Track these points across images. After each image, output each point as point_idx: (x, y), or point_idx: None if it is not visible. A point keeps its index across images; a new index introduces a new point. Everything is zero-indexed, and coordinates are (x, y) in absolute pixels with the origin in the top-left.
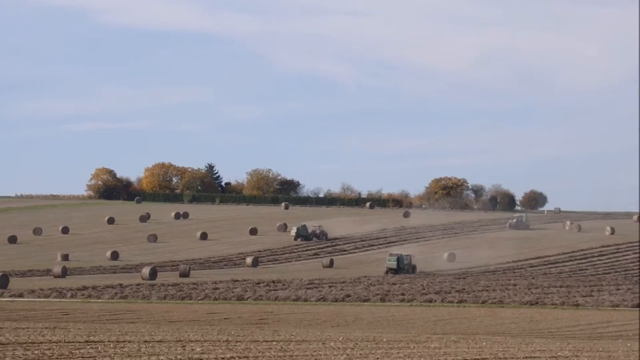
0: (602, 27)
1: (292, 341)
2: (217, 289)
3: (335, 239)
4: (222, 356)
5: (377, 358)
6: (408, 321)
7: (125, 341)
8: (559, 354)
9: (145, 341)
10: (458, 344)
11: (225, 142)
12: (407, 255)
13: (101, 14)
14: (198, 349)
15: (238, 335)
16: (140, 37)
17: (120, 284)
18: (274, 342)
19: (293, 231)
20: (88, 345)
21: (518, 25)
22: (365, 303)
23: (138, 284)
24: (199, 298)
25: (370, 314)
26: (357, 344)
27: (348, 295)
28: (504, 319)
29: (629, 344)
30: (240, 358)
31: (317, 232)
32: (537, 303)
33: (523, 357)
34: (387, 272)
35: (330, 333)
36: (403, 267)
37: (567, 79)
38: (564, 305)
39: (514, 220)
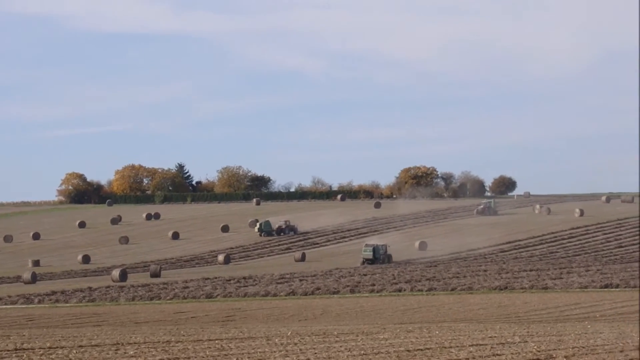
0: (568, 14)
1: (236, 339)
2: (187, 287)
3: (307, 232)
4: (151, 359)
5: (315, 353)
6: (376, 312)
7: (58, 347)
8: (509, 340)
9: (80, 346)
10: (411, 333)
11: (195, 141)
12: (382, 245)
13: (70, 19)
14: (132, 352)
15: (184, 335)
16: (109, 40)
17: (90, 287)
18: (217, 341)
19: (256, 227)
20: (15, 353)
21: (484, 14)
22: (335, 295)
23: (107, 287)
24: (168, 298)
25: (338, 307)
26: (303, 338)
27: (318, 289)
28: (472, 305)
29: (588, 326)
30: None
31: (283, 226)
32: (507, 288)
33: (470, 345)
34: (363, 263)
35: (293, 327)
36: (379, 257)
37: (534, 65)
38: (532, 289)
39: (481, 207)
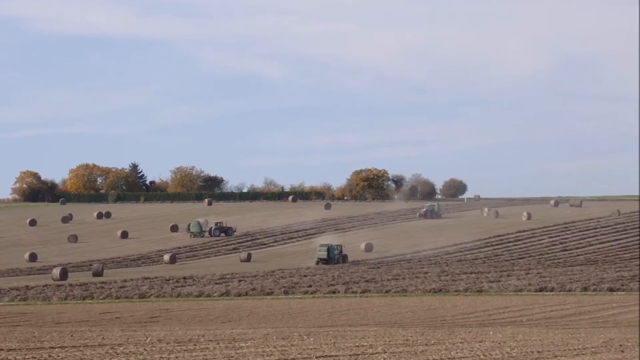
0: (520, 22)
1: (90, 346)
2: (123, 287)
3: (254, 232)
4: None
5: None
6: (303, 313)
7: None
8: (400, 349)
9: None
10: (303, 340)
11: (152, 144)
12: (337, 245)
13: (31, 21)
14: None
15: (49, 340)
16: (71, 43)
17: (27, 286)
18: (83, 347)
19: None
20: None
21: (439, 21)
22: (268, 297)
23: (45, 285)
24: (101, 297)
25: (267, 308)
26: (163, 345)
27: (253, 289)
28: (402, 309)
29: (498, 331)
30: None
31: (213, 227)
32: (442, 290)
33: (325, 355)
34: (317, 263)
35: (197, 331)
36: (333, 257)
37: (488, 72)
38: (467, 292)
39: (424, 210)
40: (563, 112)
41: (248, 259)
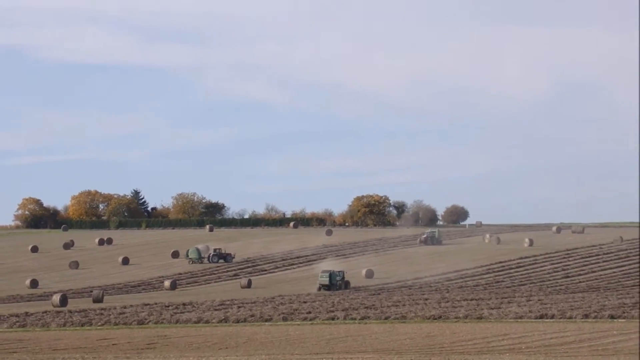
0: (520, 47)
1: None
2: (122, 313)
3: (249, 259)
4: None
5: None
6: (301, 340)
7: None
8: None
9: None
10: None
11: (154, 170)
12: (339, 271)
13: (35, 49)
14: None
15: None
16: (72, 70)
17: (26, 313)
18: None
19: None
20: None
21: (439, 47)
22: (267, 323)
23: (44, 312)
24: (100, 324)
25: (265, 335)
26: None
27: (252, 315)
28: (400, 335)
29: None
30: None
31: (211, 254)
32: (441, 317)
33: None
34: (319, 289)
35: (204, 356)
36: (335, 283)
37: (489, 98)
38: (467, 319)
39: (424, 236)
40: (564, 137)
41: (248, 285)
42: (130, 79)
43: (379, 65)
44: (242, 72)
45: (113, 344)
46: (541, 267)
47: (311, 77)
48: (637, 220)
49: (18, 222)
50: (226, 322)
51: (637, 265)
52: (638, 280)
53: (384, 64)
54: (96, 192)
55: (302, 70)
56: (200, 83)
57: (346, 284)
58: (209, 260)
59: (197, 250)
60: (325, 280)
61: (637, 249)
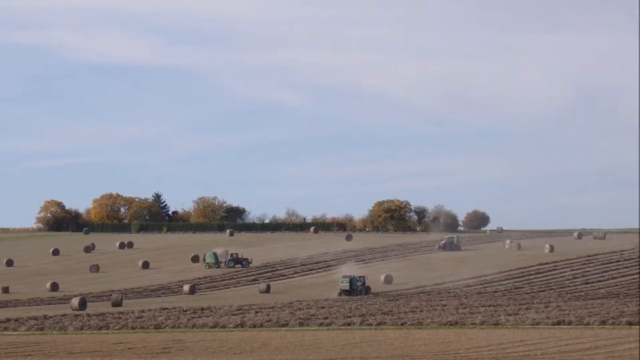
0: (541, 54)
1: None
2: (140, 317)
3: (268, 264)
4: None
5: None
6: (316, 346)
7: None
8: None
9: None
10: None
11: (175, 174)
12: (360, 276)
13: (58, 51)
14: None
15: None
16: (97, 72)
17: (45, 316)
18: None
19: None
20: None
21: (460, 52)
22: (283, 328)
23: (63, 315)
24: (116, 328)
25: (280, 340)
26: None
27: (268, 321)
28: (415, 341)
29: None
30: None
31: (228, 258)
32: (458, 323)
33: None
34: (340, 294)
35: None
36: (355, 288)
37: (510, 105)
38: (483, 325)
39: (443, 242)
40: (585, 144)
41: (267, 290)
42: (152, 81)
43: (402, 71)
44: (263, 76)
45: (128, 348)
46: (561, 273)
47: (334, 82)
48: None
49: (40, 225)
50: (242, 327)
51: None
52: None
53: (407, 69)
54: (118, 195)
55: (324, 75)
56: (222, 86)
57: (367, 290)
58: (225, 264)
59: (214, 254)
60: (346, 286)
61: None
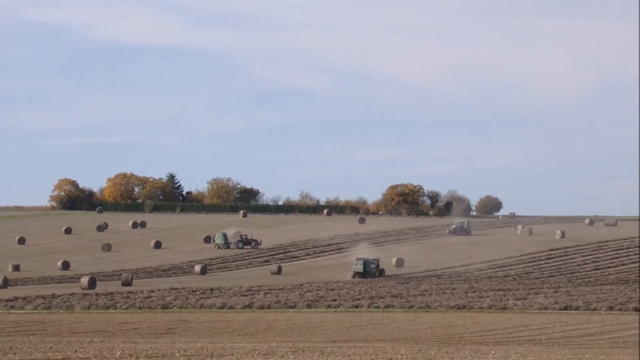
0: (563, 42)
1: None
2: (149, 297)
3: (280, 245)
4: None
5: None
6: (322, 328)
7: None
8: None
9: None
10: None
11: (191, 154)
12: (374, 259)
13: (80, 29)
14: None
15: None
16: (121, 51)
17: (53, 294)
18: None
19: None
20: None
21: (482, 39)
22: (291, 310)
23: (71, 294)
24: (124, 307)
25: (287, 321)
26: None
27: (277, 302)
28: (421, 325)
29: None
30: None
31: (237, 240)
32: (465, 307)
33: None
34: (354, 276)
35: (213, 342)
36: (369, 270)
37: (531, 92)
38: (491, 309)
39: (453, 227)
40: (602, 133)
41: (278, 271)
42: (173, 62)
43: (422, 56)
44: (284, 58)
45: (133, 328)
46: (571, 259)
47: (353, 66)
48: None
49: (53, 203)
50: (250, 308)
51: None
52: None
53: (427, 54)
54: (132, 174)
55: (344, 58)
56: (243, 68)
57: (381, 272)
58: (235, 245)
59: (224, 235)
60: (360, 268)
61: None
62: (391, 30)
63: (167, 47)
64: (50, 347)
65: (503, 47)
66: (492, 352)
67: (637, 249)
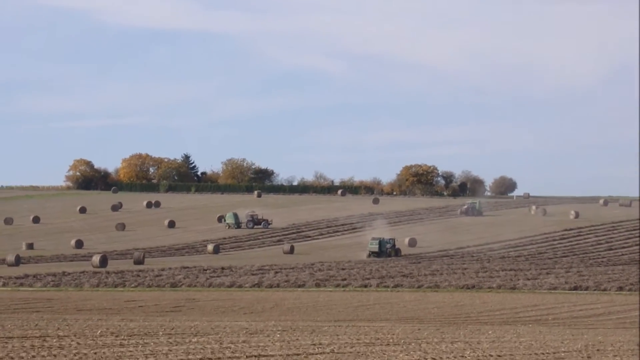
0: (581, 26)
1: (48, 337)
2: (159, 275)
3: (294, 225)
4: None
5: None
6: (328, 307)
7: None
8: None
9: None
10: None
11: (207, 136)
12: (390, 239)
13: (96, 14)
14: None
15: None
16: (137, 36)
17: (64, 272)
18: (22, 338)
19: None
20: None
21: (498, 23)
22: (299, 289)
23: (82, 272)
24: (133, 285)
25: (293, 300)
26: (119, 338)
27: (286, 281)
28: (429, 304)
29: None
30: None
31: (247, 219)
32: (475, 287)
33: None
34: (369, 255)
35: (211, 321)
36: (385, 250)
37: (546, 75)
38: (500, 289)
39: (465, 207)
40: (618, 115)
41: (291, 251)
42: (188, 45)
43: (438, 38)
44: (298, 42)
45: (139, 306)
46: (585, 239)
47: (368, 49)
48: None
49: (69, 183)
50: (259, 287)
51: None
52: None
53: (443, 37)
54: (147, 155)
55: (359, 41)
56: (257, 51)
57: (397, 252)
58: (245, 225)
59: (235, 215)
60: (375, 248)
61: None
62: (406, 14)
63: (182, 31)
64: (36, 325)
65: (518, 30)
66: (490, 332)
67: None
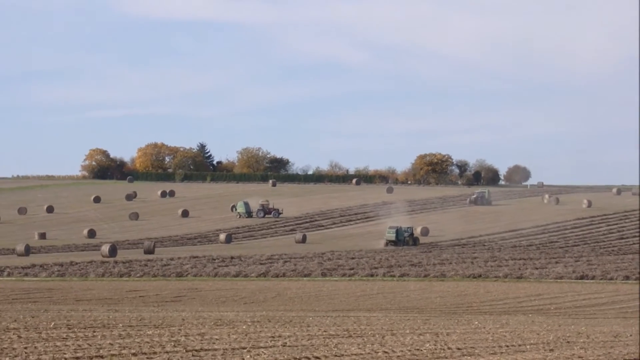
0: (600, 12)
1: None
2: (166, 265)
3: (307, 214)
4: None
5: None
6: (331, 296)
7: None
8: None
9: None
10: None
11: (224, 126)
12: (407, 227)
13: (118, 3)
14: None
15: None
16: (158, 26)
17: (71, 262)
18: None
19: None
20: None
21: (518, 9)
22: (305, 278)
23: (90, 262)
24: (138, 275)
25: (297, 290)
26: (110, 330)
27: (293, 270)
28: (433, 293)
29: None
30: None
31: (258, 208)
32: (481, 276)
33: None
34: (386, 244)
35: (206, 311)
36: (402, 239)
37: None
38: (506, 278)
39: (474, 196)
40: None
41: (303, 240)
42: (210, 35)
43: (457, 27)
44: (319, 31)
45: (140, 296)
46: (597, 228)
47: (389, 38)
48: None
49: (85, 173)
50: (265, 276)
51: None
52: None
53: (462, 25)
54: (162, 144)
55: (380, 31)
56: (278, 41)
57: (415, 240)
58: (256, 214)
59: (246, 203)
60: (392, 236)
61: None
62: (426, 2)
63: (204, 20)
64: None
65: (539, 17)
66: (475, 322)
67: None
